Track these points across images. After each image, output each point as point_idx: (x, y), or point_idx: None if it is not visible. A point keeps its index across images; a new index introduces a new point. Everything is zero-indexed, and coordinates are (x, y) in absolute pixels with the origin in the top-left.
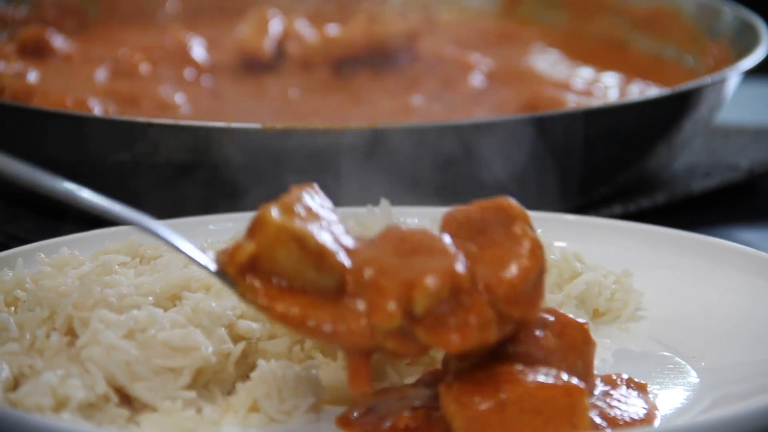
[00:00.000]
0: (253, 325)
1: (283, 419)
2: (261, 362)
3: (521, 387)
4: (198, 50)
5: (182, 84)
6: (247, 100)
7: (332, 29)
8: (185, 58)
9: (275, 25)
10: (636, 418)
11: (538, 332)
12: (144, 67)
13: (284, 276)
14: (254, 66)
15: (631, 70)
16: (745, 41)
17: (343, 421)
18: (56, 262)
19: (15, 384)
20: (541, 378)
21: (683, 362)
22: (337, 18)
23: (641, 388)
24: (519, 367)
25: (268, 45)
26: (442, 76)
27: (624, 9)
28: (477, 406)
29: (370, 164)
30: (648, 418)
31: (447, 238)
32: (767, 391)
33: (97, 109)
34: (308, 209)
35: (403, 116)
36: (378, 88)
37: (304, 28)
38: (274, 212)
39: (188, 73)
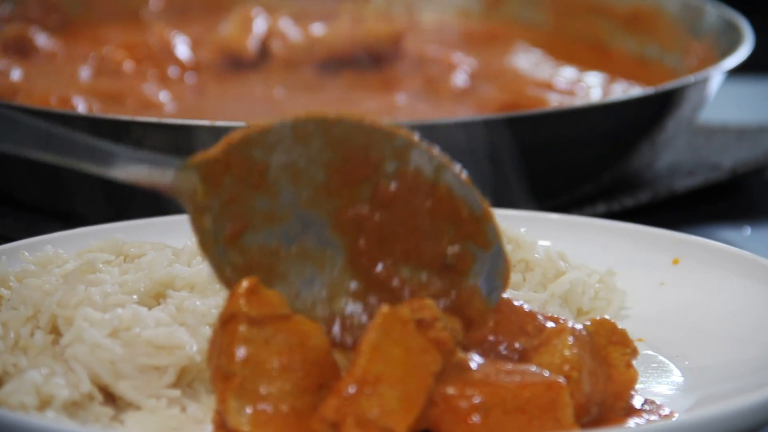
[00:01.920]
0: None
1: None
2: None
3: (502, 389)
4: (182, 48)
5: (166, 82)
6: (232, 98)
7: (317, 28)
8: (169, 57)
9: (259, 24)
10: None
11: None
12: (128, 66)
13: None
14: (238, 64)
15: (614, 69)
16: (729, 40)
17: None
18: (40, 260)
19: None
20: (518, 377)
21: (667, 361)
22: (321, 17)
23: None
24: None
25: (252, 44)
26: (426, 76)
27: (607, 8)
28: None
29: None
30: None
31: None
32: (751, 390)
33: (81, 107)
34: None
35: (387, 115)
36: (362, 87)
37: (288, 26)
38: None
39: (172, 71)
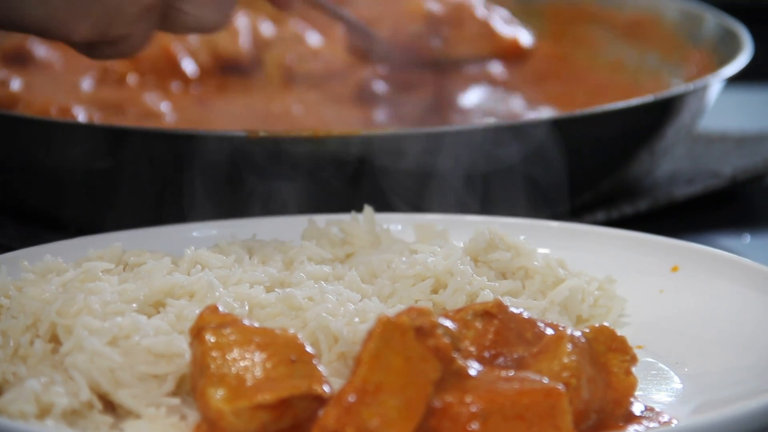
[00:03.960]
0: None
1: None
2: None
3: (501, 396)
4: (183, 57)
5: (167, 92)
6: (232, 107)
7: (312, 39)
8: (171, 66)
9: (243, 24)
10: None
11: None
12: (131, 78)
13: None
14: (235, 69)
15: None
16: (728, 48)
17: None
18: (40, 269)
19: None
20: (516, 384)
21: (666, 368)
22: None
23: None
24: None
25: (244, 46)
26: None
27: (606, 16)
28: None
29: (354, 171)
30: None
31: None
32: (750, 397)
33: (81, 116)
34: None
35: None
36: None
37: (268, 28)
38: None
39: (174, 80)
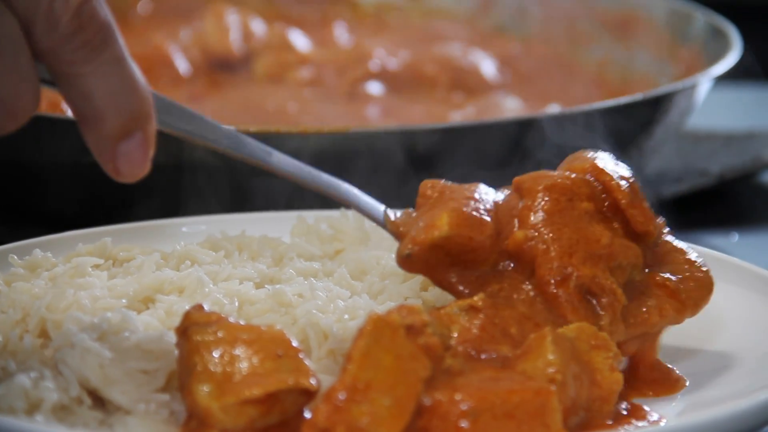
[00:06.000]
0: None
1: None
2: None
3: (491, 394)
4: (174, 54)
5: (159, 88)
6: (227, 104)
7: (300, 42)
8: (164, 65)
9: (233, 21)
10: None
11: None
12: None
13: None
14: (226, 66)
15: None
16: (717, 47)
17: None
18: (29, 264)
19: None
20: (506, 383)
21: None
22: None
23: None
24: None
25: (235, 43)
26: (419, 81)
27: (595, 14)
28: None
29: (344, 167)
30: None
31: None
32: (740, 396)
33: (70, 111)
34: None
35: (387, 119)
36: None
37: (258, 26)
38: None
39: (166, 76)
